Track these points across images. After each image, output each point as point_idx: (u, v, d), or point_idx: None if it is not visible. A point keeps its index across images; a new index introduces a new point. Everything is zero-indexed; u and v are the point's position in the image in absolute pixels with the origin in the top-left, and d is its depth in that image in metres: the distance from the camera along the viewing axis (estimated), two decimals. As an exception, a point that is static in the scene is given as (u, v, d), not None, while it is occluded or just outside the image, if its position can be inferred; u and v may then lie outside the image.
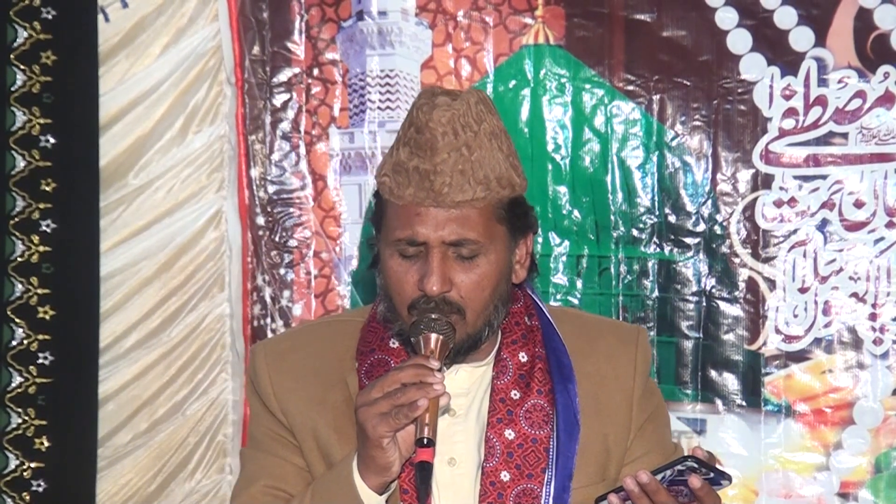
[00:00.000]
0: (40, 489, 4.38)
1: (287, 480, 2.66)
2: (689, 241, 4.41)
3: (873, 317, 4.33)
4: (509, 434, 2.60)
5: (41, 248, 4.40)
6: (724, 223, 4.39)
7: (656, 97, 4.40)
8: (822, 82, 4.34)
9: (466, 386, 2.64)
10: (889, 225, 4.32)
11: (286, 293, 4.50)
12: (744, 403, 4.37)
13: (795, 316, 4.35)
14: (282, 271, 4.50)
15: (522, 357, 2.66)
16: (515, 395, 2.63)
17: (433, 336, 2.51)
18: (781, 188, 4.37)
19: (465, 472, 2.61)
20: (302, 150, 4.51)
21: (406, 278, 2.55)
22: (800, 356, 4.36)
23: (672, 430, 2.90)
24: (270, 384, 2.68)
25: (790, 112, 4.36)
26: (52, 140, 4.40)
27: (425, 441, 2.42)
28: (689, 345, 4.39)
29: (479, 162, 2.53)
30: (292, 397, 2.67)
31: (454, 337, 2.54)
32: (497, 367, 2.64)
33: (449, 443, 2.59)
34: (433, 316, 2.52)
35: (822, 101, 4.34)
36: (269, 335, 4.44)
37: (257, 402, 2.72)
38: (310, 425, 2.65)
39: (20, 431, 4.38)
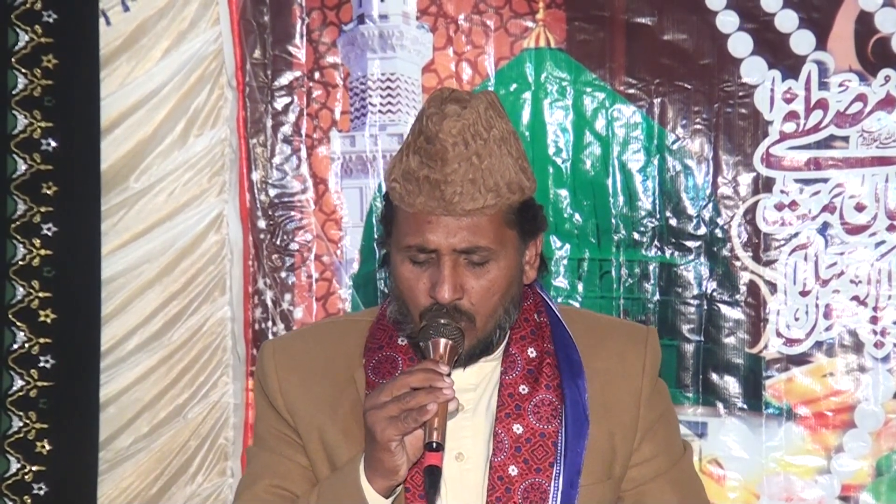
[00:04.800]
0: (41, 493, 4.38)
1: (291, 479, 2.66)
2: (690, 244, 4.41)
3: (874, 320, 4.34)
4: (517, 428, 2.60)
5: (42, 252, 4.40)
6: (725, 226, 4.39)
7: (657, 100, 4.40)
8: (823, 86, 4.34)
9: (475, 381, 2.64)
10: (890, 228, 4.33)
11: (287, 296, 4.49)
12: (745, 407, 4.37)
13: (796, 319, 4.36)
14: (283, 275, 4.50)
15: (531, 352, 2.65)
16: (524, 389, 2.62)
17: (442, 341, 2.50)
18: (782, 191, 4.37)
19: (473, 466, 2.61)
20: (303, 153, 4.51)
21: (418, 285, 2.54)
22: (801, 359, 4.36)
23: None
24: (278, 382, 2.68)
25: (791, 115, 4.36)
26: (53, 143, 4.40)
27: (434, 445, 2.42)
28: (690, 348, 4.39)
29: (489, 170, 2.51)
30: (299, 396, 2.66)
31: (463, 342, 2.53)
32: (505, 362, 2.64)
33: (457, 438, 2.59)
34: (442, 321, 2.51)
35: (823, 105, 4.34)
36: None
37: (263, 401, 2.71)
38: (316, 425, 2.64)
39: (21, 435, 4.38)
